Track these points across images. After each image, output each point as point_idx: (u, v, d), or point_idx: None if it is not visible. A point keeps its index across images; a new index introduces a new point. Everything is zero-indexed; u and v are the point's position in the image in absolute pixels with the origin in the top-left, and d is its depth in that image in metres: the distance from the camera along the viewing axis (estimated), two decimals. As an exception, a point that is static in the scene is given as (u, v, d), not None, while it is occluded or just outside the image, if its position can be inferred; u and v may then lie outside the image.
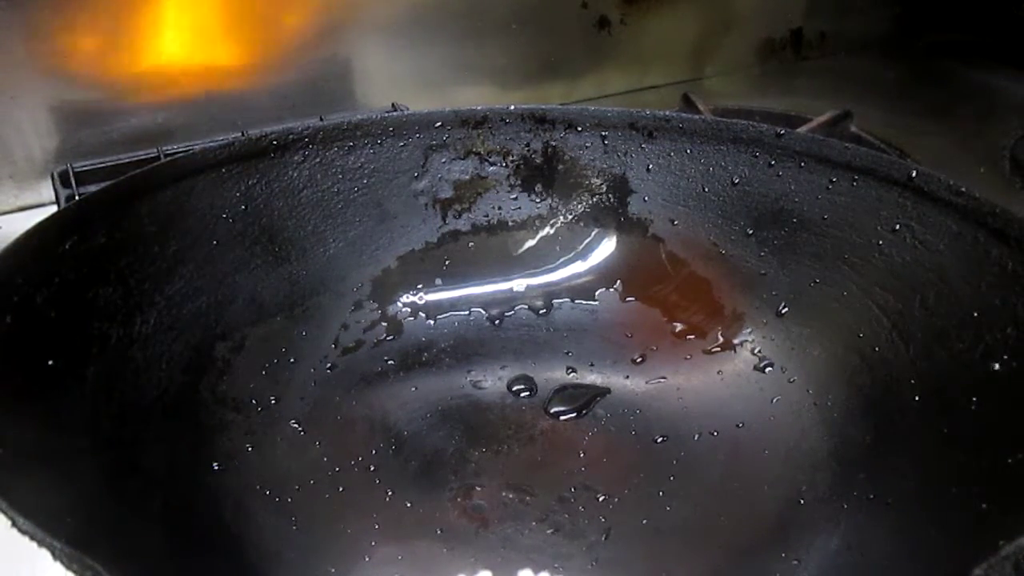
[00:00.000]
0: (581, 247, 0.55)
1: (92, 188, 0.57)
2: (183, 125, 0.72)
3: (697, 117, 0.52)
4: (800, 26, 1.01)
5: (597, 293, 0.54)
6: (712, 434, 0.45)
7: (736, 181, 0.50)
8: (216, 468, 0.41)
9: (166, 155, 0.63)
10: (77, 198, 0.56)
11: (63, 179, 0.64)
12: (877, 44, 1.03)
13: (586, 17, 0.88)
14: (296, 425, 0.45)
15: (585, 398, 0.48)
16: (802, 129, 0.63)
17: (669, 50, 0.94)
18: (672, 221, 0.53)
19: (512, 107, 0.54)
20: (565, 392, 0.49)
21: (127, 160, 0.65)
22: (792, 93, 0.90)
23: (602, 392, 0.48)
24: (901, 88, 0.94)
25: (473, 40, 0.83)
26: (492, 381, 0.49)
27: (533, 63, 0.87)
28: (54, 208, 0.63)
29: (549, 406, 0.48)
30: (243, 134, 0.53)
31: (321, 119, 0.53)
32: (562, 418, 0.47)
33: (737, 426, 0.45)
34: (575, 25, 0.88)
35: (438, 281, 0.54)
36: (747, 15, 0.97)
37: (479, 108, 0.54)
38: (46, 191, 0.68)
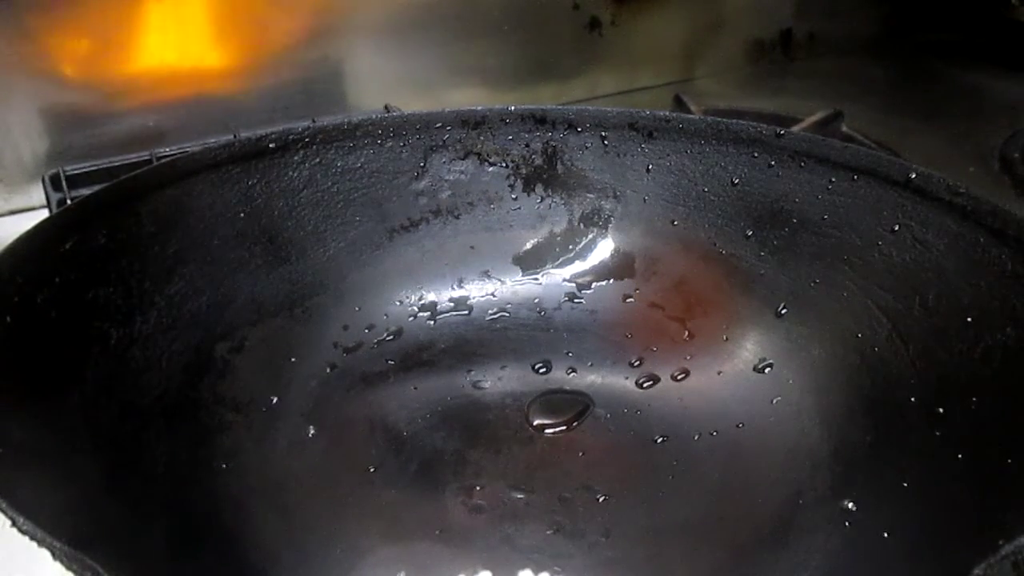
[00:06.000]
0: (580, 247, 0.55)
1: (84, 191, 0.56)
2: (175, 128, 0.72)
3: (697, 117, 0.52)
4: (790, 27, 1.01)
5: (596, 293, 0.54)
6: (712, 434, 0.45)
7: (736, 181, 0.50)
8: (216, 468, 0.41)
9: (158, 158, 0.63)
10: (69, 202, 0.56)
11: (54, 182, 0.63)
12: (866, 45, 1.03)
13: (577, 18, 0.88)
14: (296, 425, 0.45)
15: (580, 407, 0.48)
16: (793, 129, 0.63)
17: (660, 51, 0.94)
18: (672, 221, 0.53)
19: (512, 107, 0.53)
20: (555, 396, 0.48)
21: (119, 163, 0.65)
22: (782, 94, 0.91)
23: (594, 401, 0.48)
24: (891, 88, 0.94)
25: (465, 42, 0.83)
26: (492, 381, 0.49)
27: (524, 65, 0.87)
28: (45, 212, 0.62)
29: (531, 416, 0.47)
30: (235, 136, 0.53)
31: (313, 121, 0.53)
32: (547, 431, 0.47)
33: (737, 426, 0.45)
34: (566, 26, 0.88)
35: (438, 281, 0.54)
36: (737, 16, 0.97)
37: (479, 108, 0.53)
38: (37, 195, 0.67)
